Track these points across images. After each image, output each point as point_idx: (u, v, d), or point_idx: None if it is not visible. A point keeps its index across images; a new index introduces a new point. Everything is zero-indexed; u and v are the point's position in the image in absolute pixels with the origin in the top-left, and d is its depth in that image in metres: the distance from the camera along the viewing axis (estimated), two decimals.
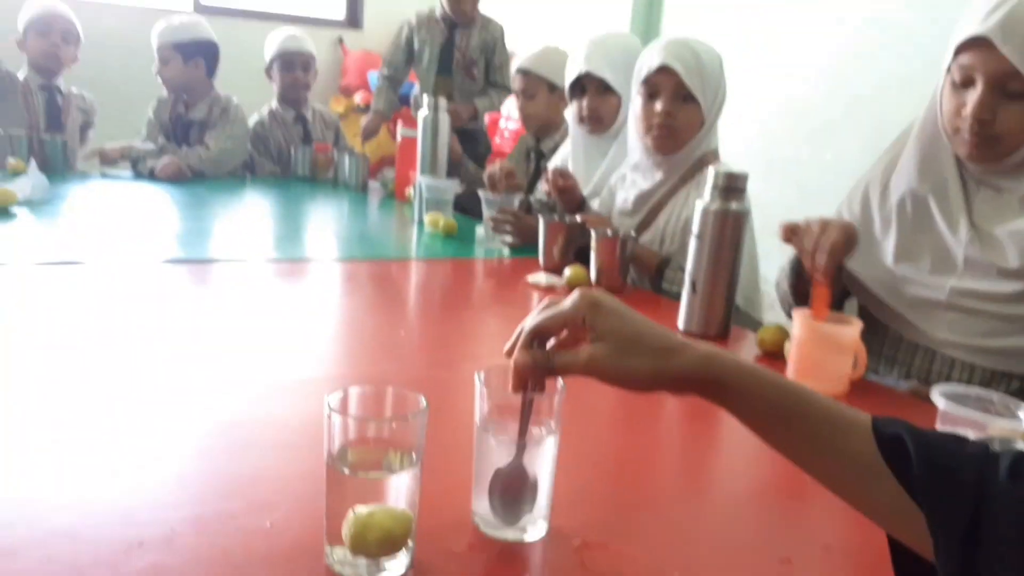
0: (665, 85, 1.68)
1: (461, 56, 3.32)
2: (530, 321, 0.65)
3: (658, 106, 1.69)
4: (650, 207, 1.80)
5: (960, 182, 1.20)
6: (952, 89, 1.14)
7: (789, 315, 1.22)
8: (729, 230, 1.33)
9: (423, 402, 0.63)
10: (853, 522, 0.67)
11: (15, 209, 1.95)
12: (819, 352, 1.13)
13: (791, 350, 1.17)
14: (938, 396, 0.87)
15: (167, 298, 1.39)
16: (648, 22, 3.87)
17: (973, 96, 1.09)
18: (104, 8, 4.20)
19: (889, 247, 1.28)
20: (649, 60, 1.69)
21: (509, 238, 1.99)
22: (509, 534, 0.69)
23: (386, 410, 0.65)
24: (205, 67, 2.87)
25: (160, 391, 0.96)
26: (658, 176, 1.77)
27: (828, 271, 1.15)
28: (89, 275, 1.46)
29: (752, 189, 1.36)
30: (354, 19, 5.19)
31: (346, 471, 0.60)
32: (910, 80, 2.44)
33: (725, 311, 1.37)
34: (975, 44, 1.07)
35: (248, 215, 2.39)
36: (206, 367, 1.06)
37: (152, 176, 2.71)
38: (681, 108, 1.69)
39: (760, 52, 3.23)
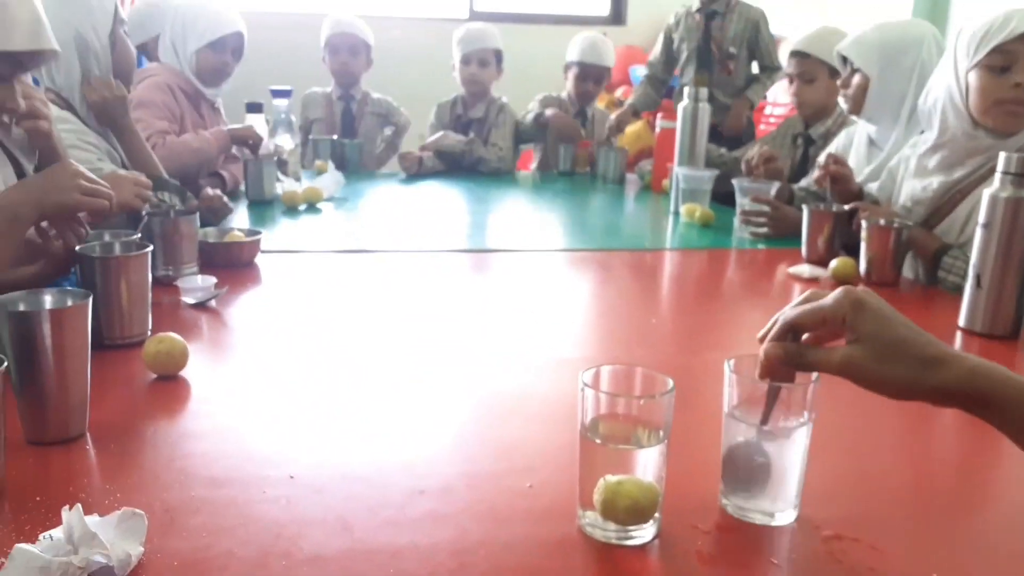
0: None
1: (717, 49, 3.25)
2: (788, 312, 0.65)
3: (1018, 78, 1.45)
4: (951, 195, 1.61)
5: None
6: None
7: None
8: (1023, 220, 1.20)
9: (670, 383, 0.66)
10: None
11: (321, 205, 2.25)
12: None
13: None
14: None
15: (448, 284, 1.55)
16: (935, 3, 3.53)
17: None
18: (389, 20, 4.64)
19: None
20: (1002, 26, 1.45)
21: (761, 230, 1.93)
22: (757, 518, 0.70)
23: (635, 389, 0.69)
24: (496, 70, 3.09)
25: (440, 365, 1.08)
26: (974, 161, 1.56)
27: None
28: (379, 262, 1.66)
29: None
30: (618, 15, 5.26)
31: (597, 441, 0.65)
32: None
33: (1016, 309, 1.24)
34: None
35: (514, 209, 2.54)
36: (479, 345, 1.17)
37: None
38: None
39: None
